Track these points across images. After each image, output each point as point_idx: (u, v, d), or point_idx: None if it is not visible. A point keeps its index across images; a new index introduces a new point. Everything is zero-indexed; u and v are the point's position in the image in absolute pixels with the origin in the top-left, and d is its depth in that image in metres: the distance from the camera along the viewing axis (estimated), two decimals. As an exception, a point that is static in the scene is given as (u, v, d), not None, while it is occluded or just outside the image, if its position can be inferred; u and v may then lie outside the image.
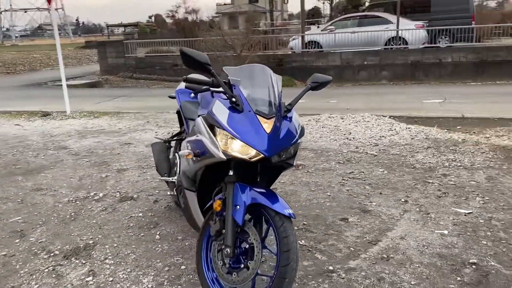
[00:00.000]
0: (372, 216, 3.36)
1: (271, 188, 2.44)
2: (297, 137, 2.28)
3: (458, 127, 6.39)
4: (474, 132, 5.91)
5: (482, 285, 2.46)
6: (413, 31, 13.67)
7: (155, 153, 3.48)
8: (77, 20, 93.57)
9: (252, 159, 2.13)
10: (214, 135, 2.20)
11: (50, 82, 15.07)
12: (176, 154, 3.33)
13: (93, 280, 2.65)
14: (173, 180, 3.14)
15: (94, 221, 3.49)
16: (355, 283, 2.52)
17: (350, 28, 14.61)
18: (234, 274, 2.25)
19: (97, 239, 3.18)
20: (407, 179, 4.11)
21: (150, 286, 2.56)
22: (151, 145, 3.69)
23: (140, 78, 15.16)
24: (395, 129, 6.08)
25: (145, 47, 17.17)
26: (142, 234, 3.23)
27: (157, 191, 4.07)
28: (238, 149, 2.13)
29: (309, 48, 14.70)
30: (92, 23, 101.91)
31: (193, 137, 2.42)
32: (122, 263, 2.83)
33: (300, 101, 2.37)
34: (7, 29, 66.17)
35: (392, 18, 14.31)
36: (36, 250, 3.04)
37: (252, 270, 2.18)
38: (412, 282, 2.50)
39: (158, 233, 3.23)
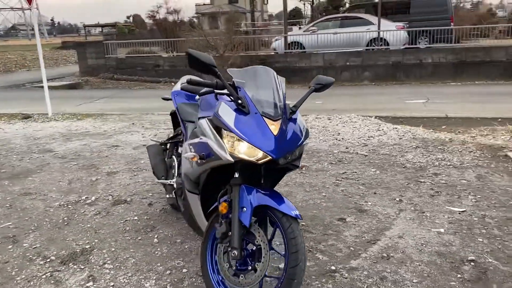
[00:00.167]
0: (368, 216, 3.40)
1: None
2: (302, 138, 2.29)
3: (443, 127, 6.51)
4: (459, 132, 6.04)
5: (482, 281, 2.51)
6: (394, 32, 13.89)
7: (151, 155, 3.43)
8: (52, 20, 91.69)
9: (260, 161, 2.13)
10: (221, 137, 2.19)
11: (28, 84, 14.74)
12: (173, 156, 3.30)
13: (94, 285, 2.60)
14: (171, 183, 3.12)
15: (88, 225, 3.43)
16: (358, 282, 2.54)
17: (332, 29, 14.75)
18: (241, 276, 2.24)
19: (93, 243, 3.12)
20: (399, 179, 4.17)
21: (153, 290, 2.53)
22: (146, 148, 3.65)
23: (121, 79, 14.98)
24: (382, 129, 6.16)
25: (125, 48, 16.96)
26: (139, 238, 3.18)
27: (150, 194, 4.02)
28: (245, 151, 2.12)
29: (292, 49, 14.77)
30: (68, 23, 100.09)
31: (197, 140, 2.40)
32: (122, 268, 2.78)
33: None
34: (-20, 30, 64.45)
35: (373, 19, 14.51)
36: (31, 256, 2.97)
37: (260, 272, 2.18)
38: (414, 280, 2.53)
39: (156, 236, 3.19)
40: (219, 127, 2.21)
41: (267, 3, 48.04)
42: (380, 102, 9.50)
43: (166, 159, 3.39)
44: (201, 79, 2.35)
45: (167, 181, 3.15)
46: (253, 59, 13.78)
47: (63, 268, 2.81)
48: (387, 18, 14.84)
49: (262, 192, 2.23)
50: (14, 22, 77.89)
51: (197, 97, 2.38)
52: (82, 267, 2.81)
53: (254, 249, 2.23)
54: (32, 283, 2.64)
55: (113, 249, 3.03)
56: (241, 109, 2.19)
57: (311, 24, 16.27)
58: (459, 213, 3.38)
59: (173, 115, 3.57)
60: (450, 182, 4.02)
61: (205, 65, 2.20)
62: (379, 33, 13.86)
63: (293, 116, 2.32)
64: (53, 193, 4.15)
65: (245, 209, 2.18)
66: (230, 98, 2.28)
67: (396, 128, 6.21)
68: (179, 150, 3.23)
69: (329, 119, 6.96)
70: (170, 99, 3.45)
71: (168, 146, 3.51)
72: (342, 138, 5.76)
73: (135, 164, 4.99)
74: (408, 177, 4.19)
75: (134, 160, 5.13)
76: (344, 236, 3.10)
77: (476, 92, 10.31)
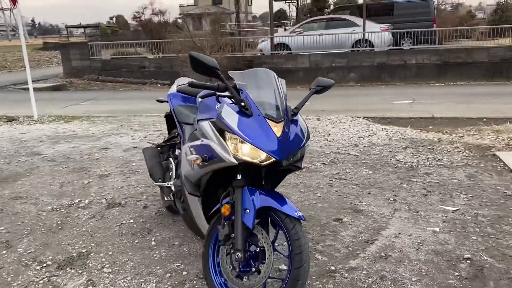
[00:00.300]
0: (364, 216, 3.44)
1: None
2: (304, 140, 2.31)
3: (431, 127, 6.62)
4: (446, 132, 6.14)
5: (479, 279, 2.57)
6: (378, 33, 14.04)
7: (148, 158, 3.41)
8: (32, 20, 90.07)
9: (263, 163, 2.14)
10: (224, 139, 2.19)
11: (11, 86, 14.46)
12: (170, 158, 3.29)
13: (93, 290, 2.58)
14: (169, 185, 3.10)
15: (83, 229, 3.39)
16: (358, 282, 2.57)
17: (318, 30, 14.85)
18: (245, 278, 2.25)
19: (90, 247, 3.08)
20: (392, 179, 4.22)
21: (154, 293, 2.52)
22: (142, 150, 3.62)
23: (106, 80, 14.81)
24: (371, 129, 6.23)
25: (110, 49, 16.79)
26: (136, 241, 3.16)
27: (145, 197, 3.99)
28: (249, 153, 2.13)
29: (278, 50, 14.82)
30: (49, 24, 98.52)
31: (198, 142, 2.39)
32: (121, 271, 2.76)
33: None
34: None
35: (358, 21, 14.65)
36: (26, 261, 2.92)
37: (264, 273, 2.19)
38: (413, 279, 2.57)
39: (153, 239, 3.17)
40: (221, 129, 2.21)
41: (251, 4, 48.13)
42: (367, 103, 9.60)
43: (162, 161, 3.38)
44: (203, 82, 2.34)
45: (164, 183, 3.14)
46: (240, 60, 13.77)
47: (60, 272, 2.77)
48: (371, 19, 15.00)
49: (264, 193, 2.24)
50: (-8, 23, 76.38)
51: (199, 99, 2.37)
52: (80, 271, 2.78)
53: (257, 250, 2.24)
54: (29, 288, 2.60)
55: (111, 252, 3.00)
56: (244, 111, 2.20)
57: (297, 26, 16.36)
58: (452, 212, 3.44)
59: (168, 117, 3.55)
60: (442, 182, 4.09)
61: (208, 68, 2.20)
62: (364, 34, 14.00)
63: (295, 118, 2.34)
64: (45, 197, 4.09)
65: (248, 211, 2.19)
66: (231, 101, 2.28)
67: (385, 129, 6.29)
68: (176, 152, 3.22)
69: (318, 120, 7.01)
70: (165, 101, 3.43)
71: (164, 149, 3.49)
72: (333, 139, 5.81)
73: (126, 166, 4.95)
74: (400, 177, 4.25)
75: (125, 163, 5.09)
76: (342, 236, 3.13)
77: (459, 93, 10.49)
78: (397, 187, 4.00)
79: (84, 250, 3.04)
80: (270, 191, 2.33)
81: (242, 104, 2.20)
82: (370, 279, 2.58)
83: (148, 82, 14.40)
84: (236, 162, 2.14)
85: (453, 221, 3.29)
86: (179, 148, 3.15)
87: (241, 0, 30.67)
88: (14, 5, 7.95)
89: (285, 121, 2.22)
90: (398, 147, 5.30)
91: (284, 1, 28.28)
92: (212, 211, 2.41)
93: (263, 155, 2.12)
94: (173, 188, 3.02)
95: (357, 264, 2.75)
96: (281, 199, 2.25)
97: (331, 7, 27.93)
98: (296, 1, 27.89)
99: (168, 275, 2.70)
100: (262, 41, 15.84)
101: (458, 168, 4.46)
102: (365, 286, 2.52)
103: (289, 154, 2.20)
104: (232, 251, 2.22)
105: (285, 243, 2.64)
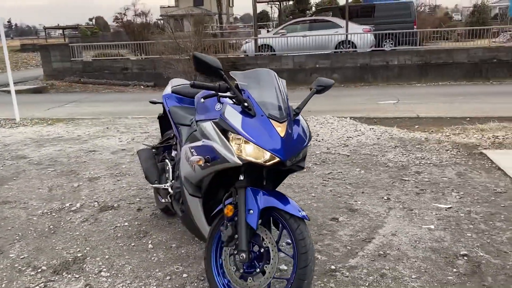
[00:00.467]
0: (360, 215, 3.46)
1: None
2: (307, 140, 2.32)
3: (416, 127, 6.71)
4: (432, 131, 6.23)
5: (477, 274, 2.61)
6: (361, 35, 14.18)
7: (143, 160, 3.37)
8: (9, 21, 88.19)
9: (267, 163, 2.14)
10: (227, 140, 2.18)
11: (-11, 88, 14.11)
12: (166, 160, 3.26)
13: (92, 294, 2.53)
14: (165, 187, 3.07)
15: (77, 233, 3.33)
16: (359, 280, 2.58)
17: (301, 32, 14.93)
18: (250, 279, 2.24)
19: (85, 251, 3.03)
20: (384, 178, 4.26)
21: (155, 297, 2.49)
22: (137, 152, 3.58)
23: (88, 82, 14.59)
24: (359, 129, 6.29)
25: (91, 51, 16.54)
26: (133, 244, 3.11)
27: (138, 199, 3.94)
28: (253, 153, 2.12)
29: (262, 52, 14.84)
30: (26, 25, 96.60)
31: (199, 143, 2.37)
32: (120, 275, 2.72)
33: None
34: None
35: (340, 22, 14.78)
36: (20, 267, 2.85)
37: (269, 274, 2.18)
38: (413, 276, 2.60)
39: (150, 242, 3.13)
40: (225, 130, 2.20)
41: (233, 5, 48.11)
42: (352, 103, 9.68)
43: (158, 163, 3.34)
44: (204, 83, 2.33)
45: (161, 185, 3.11)
46: (224, 61, 13.67)
47: (56, 278, 2.71)
48: (352, 21, 15.14)
49: (267, 194, 2.23)
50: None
51: (201, 100, 2.35)
52: (77, 276, 2.72)
53: (261, 251, 2.23)
54: (26, 295, 2.54)
55: (107, 256, 2.95)
56: (247, 112, 2.19)
57: (281, 27, 16.40)
58: (446, 210, 3.49)
59: (161, 118, 3.52)
60: (433, 180, 4.15)
61: (211, 68, 2.18)
62: (346, 36, 14.13)
63: (297, 118, 2.35)
64: (34, 201, 4.00)
65: (252, 211, 2.18)
66: (233, 101, 2.27)
67: (372, 129, 6.35)
68: (173, 153, 3.19)
69: (306, 121, 7.02)
70: (158, 103, 3.40)
71: (159, 150, 3.46)
72: (322, 139, 5.84)
73: (116, 169, 4.88)
74: (392, 176, 4.30)
75: (114, 165, 5.02)
76: (339, 235, 3.14)
77: (441, 93, 10.66)
78: (390, 186, 4.04)
79: (79, 254, 2.98)
80: (273, 191, 2.32)
81: (245, 104, 2.19)
82: (370, 277, 2.60)
83: (131, 83, 14.25)
84: (240, 162, 2.13)
85: (447, 218, 3.35)
86: (176, 150, 3.12)
87: (223, 1, 30.61)
88: (-5, 6, 7.75)
89: (288, 121, 2.22)
90: (387, 146, 5.36)
91: (266, 3, 28.33)
92: (214, 212, 2.40)
93: (267, 155, 2.12)
94: (170, 189, 2.99)
95: (356, 263, 2.77)
96: (284, 199, 2.25)
97: (313, 9, 28.14)
98: (278, 3, 27.98)
99: (168, 277, 2.67)
100: (246, 42, 15.83)
101: (448, 166, 4.53)
102: (366, 285, 2.54)
103: (293, 154, 2.20)
104: (236, 252, 2.21)
105: (284, 243, 2.67)
